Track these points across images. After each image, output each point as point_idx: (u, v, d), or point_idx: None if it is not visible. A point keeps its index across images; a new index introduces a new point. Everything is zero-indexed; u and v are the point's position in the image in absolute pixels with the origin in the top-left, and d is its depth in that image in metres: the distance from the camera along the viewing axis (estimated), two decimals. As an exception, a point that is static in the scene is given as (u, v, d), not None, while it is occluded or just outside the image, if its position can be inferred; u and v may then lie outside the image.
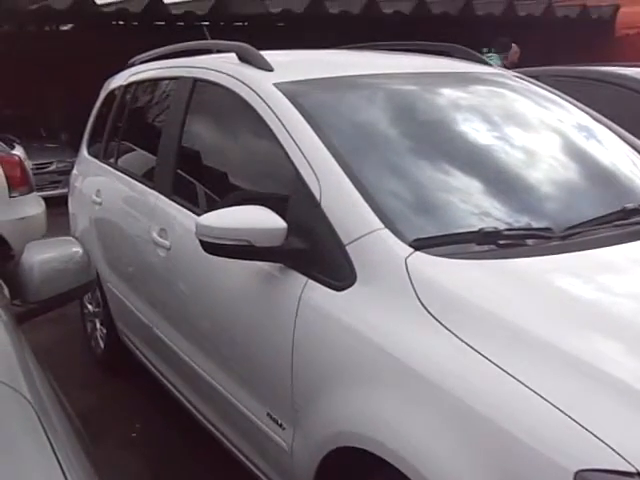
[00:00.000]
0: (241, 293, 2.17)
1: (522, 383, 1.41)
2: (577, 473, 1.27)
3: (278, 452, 2.02)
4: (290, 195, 2.04)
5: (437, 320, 1.59)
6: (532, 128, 2.45)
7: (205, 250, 1.97)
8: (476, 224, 1.85)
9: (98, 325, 3.74)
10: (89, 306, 3.84)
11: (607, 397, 1.37)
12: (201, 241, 1.96)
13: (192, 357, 2.51)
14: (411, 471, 1.51)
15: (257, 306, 2.08)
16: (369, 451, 1.62)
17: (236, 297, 2.20)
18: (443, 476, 1.45)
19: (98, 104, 3.99)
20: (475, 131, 2.36)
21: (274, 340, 1.98)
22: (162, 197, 2.76)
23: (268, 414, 2.06)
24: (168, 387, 2.85)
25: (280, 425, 2.00)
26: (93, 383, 3.53)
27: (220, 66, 2.59)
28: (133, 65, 3.69)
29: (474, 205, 1.97)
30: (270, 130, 2.16)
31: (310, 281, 1.89)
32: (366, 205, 1.84)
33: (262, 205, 1.97)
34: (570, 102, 2.68)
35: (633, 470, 1.24)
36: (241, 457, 2.32)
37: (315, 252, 1.90)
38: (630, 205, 2.01)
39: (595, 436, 1.29)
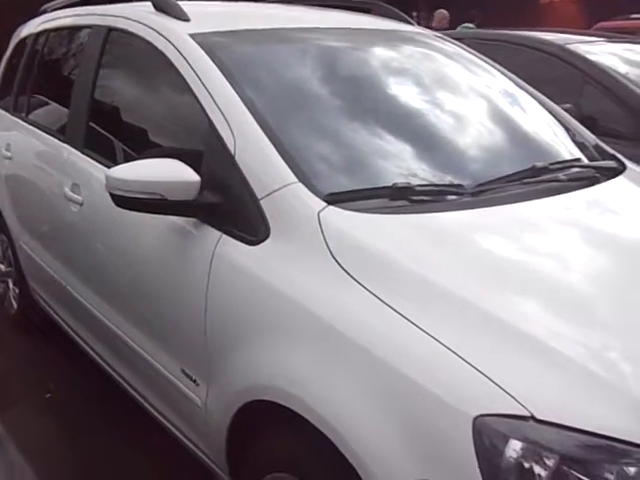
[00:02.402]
0: (154, 248, 2.13)
1: (429, 334, 1.44)
2: (476, 418, 1.31)
3: (192, 408, 2.01)
4: (205, 149, 1.99)
5: (348, 273, 1.60)
6: (450, 87, 2.47)
7: (116, 204, 1.91)
8: (390, 180, 1.86)
9: (11, 285, 3.62)
10: (0, 266, 3.70)
11: (507, 346, 1.42)
12: (111, 194, 1.90)
13: (106, 315, 2.45)
14: (321, 423, 1.52)
15: (171, 261, 2.04)
16: (282, 404, 1.63)
17: (149, 252, 2.16)
18: (352, 426, 1.47)
19: (8, 54, 3.79)
20: (394, 88, 2.36)
21: (188, 295, 1.96)
22: (74, 151, 2.66)
23: (182, 370, 2.04)
24: (83, 346, 2.79)
25: (194, 381, 1.99)
26: (6, 344, 3.43)
27: (134, 14, 2.49)
28: (46, 12, 3.51)
29: (389, 161, 1.98)
30: (185, 82, 2.10)
31: (224, 236, 1.86)
32: (280, 159, 1.82)
33: (176, 159, 1.93)
34: (490, 64, 2.71)
35: (527, 414, 1.29)
36: (156, 414, 2.30)
37: (229, 206, 1.87)
38: (540, 164, 2.07)
39: (494, 383, 1.34)
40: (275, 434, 1.73)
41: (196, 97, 2.05)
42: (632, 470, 1.28)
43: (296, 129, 2.00)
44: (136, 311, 2.30)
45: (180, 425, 2.17)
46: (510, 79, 2.65)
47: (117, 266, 2.39)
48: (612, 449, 1.29)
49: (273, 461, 1.74)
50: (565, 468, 1.28)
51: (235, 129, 1.92)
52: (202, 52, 2.14)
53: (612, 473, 1.27)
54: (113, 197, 1.91)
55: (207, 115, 1.99)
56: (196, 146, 2.05)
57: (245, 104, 1.97)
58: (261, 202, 1.79)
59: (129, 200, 1.88)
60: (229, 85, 2.02)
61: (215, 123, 1.96)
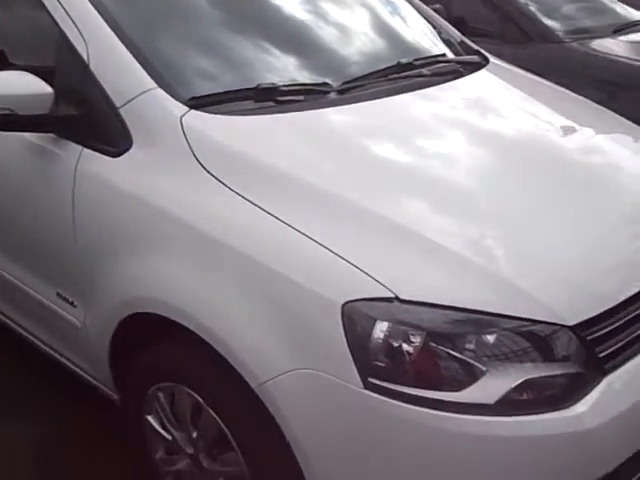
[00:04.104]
0: (13, 171, 2.00)
1: (297, 230, 1.46)
2: (344, 304, 1.35)
3: (72, 331, 1.96)
4: (57, 60, 1.87)
5: (214, 176, 1.58)
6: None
7: (-40, 123, 1.78)
8: (254, 81, 1.82)
9: None
10: None
11: (374, 236, 1.47)
12: None
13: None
14: (198, 327, 1.53)
15: (32, 183, 1.93)
16: (159, 314, 1.62)
17: (8, 176, 2.02)
18: (227, 326, 1.48)
19: None
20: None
21: (54, 217, 1.87)
22: None
23: (58, 294, 1.97)
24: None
25: (71, 303, 1.94)
26: None
27: None
28: None
29: (253, 63, 1.95)
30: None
31: (85, 150, 1.78)
32: (137, 64, 1.74)
33: (26, 71, 1.80)
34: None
35: (392, 295, 1.35)
36: (37, 342, 2.23)
37: (88, 118, 1.78)
38: (404, 60, 2.09)
39: (359, 269, 1.38)
40: (156, 345, 1.72)
41: (44, 4, 1.90)
42: (490, 338, 1.37)
43: (153, 33, 1.90)
44: (3, 239, 2.19)
45: (63, 350, 2.12)
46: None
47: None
48: (476, 321, 1.37)
49: (157, 372, 1.73)
50: (432, 344, 1.36)
51: (87, 36, 1.80)
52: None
53: (472, 343, 1.36)
54: (-44, 116, 1.77)
55: (56, 23, 1.86)
56: (47, 57, 1.92)
57: (96, 9, 1.85)
58: (120, 111, 1.72)
59: None
60: (77, -11, 1.89)
61: (65, 31, 1.83)
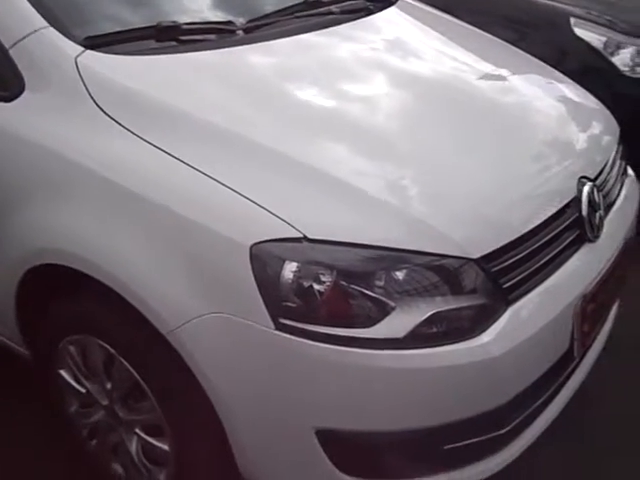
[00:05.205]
0: None
1: (200, 171, 1.42)
2: (252, 246, 1.34)
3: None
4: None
5: (114, 119, 1.52)
6: None
7: None
8: (155, 20, 1.74)
9: None
10: None
11: (282, 178, 1.44)
12: None
13: None
14: (106, 276, 1.48)
15: None
16: (65, 265, 1.56)
17: None
18: (137, 274, 1.44)
19: None
20: None
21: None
22: None
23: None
24: None
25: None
26: None
27: None
28: None
29: (153, 1, 1.85)
30: None
31: (-25, 95, 1.67)
32: (25, 1, 1.63)
33: None
34: None
35: (300, 235, 1.34)
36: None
37: (-25, 61, 1.66)
38: (312, -3, 2.04)
39: (267, 210, 1.36)
40: (64, 297, 1.67)
41: None
42: (400, 274, 1.38)
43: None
44: None
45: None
46: None
47: None
48: (386, 258, 1.38)
49: (66, 325, 1.69)
50: (342, 282, 1.36)
51: (-31, -30, 1.67)
52: None
53: (382, 280, 1.37)
54: None
55: None
56: None
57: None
58: (10, 52, 1.61)
59: None
60: None
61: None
